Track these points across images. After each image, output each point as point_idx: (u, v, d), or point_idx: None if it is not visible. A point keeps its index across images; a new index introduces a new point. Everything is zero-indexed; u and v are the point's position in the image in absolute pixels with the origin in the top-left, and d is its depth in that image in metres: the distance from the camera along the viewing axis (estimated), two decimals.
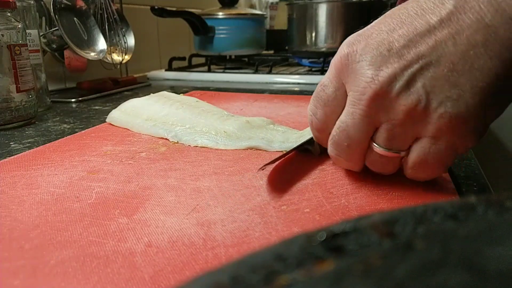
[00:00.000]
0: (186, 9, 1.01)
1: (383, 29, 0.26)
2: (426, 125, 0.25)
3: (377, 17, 0.28)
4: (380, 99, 0.25)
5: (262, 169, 0.33)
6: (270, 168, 0.35)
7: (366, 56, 0.26)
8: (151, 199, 0.29)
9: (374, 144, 0.28)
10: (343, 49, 0.27)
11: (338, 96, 0.28)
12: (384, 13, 0.27)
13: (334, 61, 0.28)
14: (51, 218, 0.27)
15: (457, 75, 0.24)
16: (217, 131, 0.42)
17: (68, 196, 0.30)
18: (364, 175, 0.32)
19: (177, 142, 0.43)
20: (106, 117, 0.52)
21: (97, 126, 0.51)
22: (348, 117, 0.27)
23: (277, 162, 0.34)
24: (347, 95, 0.28)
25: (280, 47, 1.27)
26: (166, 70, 1.02)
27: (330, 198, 0.29)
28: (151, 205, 0.28)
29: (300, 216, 0.26)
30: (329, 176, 0.33)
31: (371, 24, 0.27)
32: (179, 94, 0.56)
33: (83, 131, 0.48)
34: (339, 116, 0.29)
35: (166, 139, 0.44)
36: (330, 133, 0.30)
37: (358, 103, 0.26)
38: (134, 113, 0.49)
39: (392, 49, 0.25)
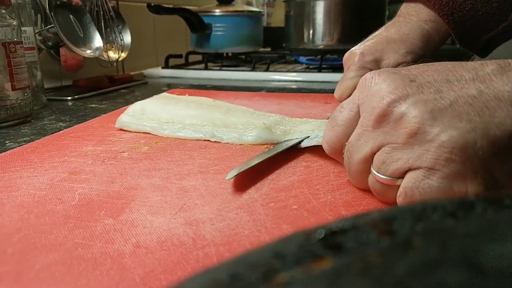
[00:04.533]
0: (183, 6, 1.00)
1: (415, 70, 0.26)
2: (424, 153, 0.23)
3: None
4: (385, 120, 0.25)
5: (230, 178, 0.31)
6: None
7: (388, 81, 0.26)
8: (137, 200, 0.29)
9: (372, 168, 0.27)
10: (371, 72, 0.27)
11: (351, 117, 0.29)
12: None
13: (359, 82, 0.28)
14: (33, 221, 0.26)
15: (473, 113, 0.22)
16: (256, 126, 0.42)
17: (50, 198, 0.29)
18: None
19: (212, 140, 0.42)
20: (102, 115, 0.52)
21: (75, 126, 0.50)
22: (353, 138, 0.28)
23: (244, 169, 0.32)
24: (359, 117, 0.28)
25: (277, 45, 1.27)
26: (162, 67, 1.01)
27: (317, 194, 0.29)
28: (137, 206, 0.28)
29: (288, 213, 0.26)
30: (314, 173, 0.33)
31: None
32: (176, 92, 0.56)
33: (61, 131, 0.47)
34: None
35: (159, 137, 0.44)
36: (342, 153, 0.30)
37: (366, 123, 0.26)
38: (148, 116, 0.47)
39: (415, 81, 0.25)
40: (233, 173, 0.31)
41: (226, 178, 0.31)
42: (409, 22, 0.51)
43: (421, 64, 0.27)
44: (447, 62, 0.26)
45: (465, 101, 0.23)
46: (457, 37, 0.50)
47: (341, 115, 0.29)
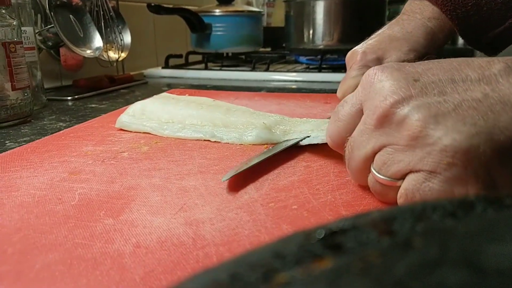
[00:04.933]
0: (183, 6, 1.00)
1: (419, 67, 0.26)
2: (426, 156, 0.23)
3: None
4: (388, 120, 0.25)
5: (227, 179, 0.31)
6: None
7: (391, 79, 0.25)
8: (137, 199, 0.29)
9: (373, 168, 0.26)
10: (374, 68, 0.27)
11: (352, 113, 0.28)
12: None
13: (362, 78, 0.28)
14: (33, 221, 0.26)
15: (477, 117, 0.22)
16: (256, 126, 0.42)
17: (50, 198, 0.29)
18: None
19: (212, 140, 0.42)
20: (102, 115, 0.52)
21: (75, 126, 0.50)
22: (356, 133, 0.27)
23: (240, 171, 0.32)
24: (362, 114, 0.27)
25: (278, 45, 1.27)
26: (162, 67, 1.01)
27: (317, 194, 0.29)
28: (137, 206, 0.28)
29: (288, 213, 0.26)
30: (314, 173, 0.33)
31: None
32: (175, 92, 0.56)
33: (61, 131, 0.47)
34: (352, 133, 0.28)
35: (158, 136, 0.44)
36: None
37: (368, 122, 0.26)
38: (148, 116, 0.47)
39: (419, 80, 0.25)
40: (229, 174, 0.31)
41: (222, 180, 0.31)
42: (413, 20, 0.51)
43: (426, 61, 0.27)
44: (453, 59, 0.26)
45: (470, 105, 0.22)
46: (462, 34, 0.50)
47: (343, 110, 0.29)
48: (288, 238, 0.12)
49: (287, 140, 0.40)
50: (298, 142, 0.38)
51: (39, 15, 0.72)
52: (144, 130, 0.45)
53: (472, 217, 0.11)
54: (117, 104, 0.67)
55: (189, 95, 0.54)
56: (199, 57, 1.09)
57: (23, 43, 0.56)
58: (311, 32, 0.94)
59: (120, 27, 0.86)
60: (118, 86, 0.82)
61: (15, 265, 0.21)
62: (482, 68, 0.24)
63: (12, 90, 0.52)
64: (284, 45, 1.09)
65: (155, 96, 0.53)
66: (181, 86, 0.83)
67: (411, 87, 0.24)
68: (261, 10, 1.14)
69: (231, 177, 0.31)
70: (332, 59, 0.95)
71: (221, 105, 0.47)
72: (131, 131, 0.46)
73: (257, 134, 0.41)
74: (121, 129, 0.47)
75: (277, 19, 1.53)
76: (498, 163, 0.22)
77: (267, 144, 0.41)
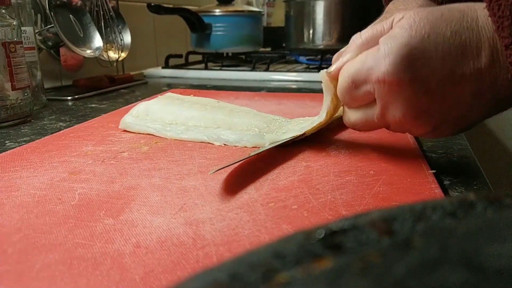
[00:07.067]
0: (183, 6, 1.00)
1: (434, 73, 0.29)
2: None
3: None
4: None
5: (215, 172, 0.32)
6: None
7: (403, 92, 0.30)
8: (137, 199, 0.29)
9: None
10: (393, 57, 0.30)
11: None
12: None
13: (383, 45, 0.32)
14: (33, 221, 0.26)
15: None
16: (260, 128, 0.42)
17: (50, 198, 0.29)
18: (348, 171, 0.33)
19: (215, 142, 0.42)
20: (102, 115, 0.52)
21: (75, 126, 0.50)
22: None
23: (230, 165, 0.33)
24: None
25: (278, 45, 1.27)
26: (162, 67, 1.01)
27: (317, 194, 0.29)
28: (137, 205, 0.28)
29: (288, 213, 0.26)
30: (314, 172, 0.33)
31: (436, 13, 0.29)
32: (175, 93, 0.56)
33: (61, 131, 0.47)
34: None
35: (161, 137, 0.44)
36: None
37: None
38: (152, 117, 0.46)
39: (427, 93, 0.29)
40: (216, 168, 0.31)
41: (209, 173, 0.31)
42: None
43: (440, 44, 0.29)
44: (463, 39, 0.28)
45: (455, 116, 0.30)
46: None
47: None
48: (288, 238, 0.12)
49: (284, 140, 0.40)
50: (293, 139, 0.38)
51: (39, 15, 0.72)
52: (148, 131, 0.45)
53: (472, 217, 0.11)
54: (117, 104, 0.67)
55: (194, 95, 0.54)
56: (199, 57, 1.09)
57: (23, 43, 0.56)
58: (311, 32, 0.94)
59: (120, 27, 0.86)
60: (118, 86, 0.82)
61: (15, 265, 0.21)
62: (473, 59, 0.28)
63: (12, 90, 0.52)
64: (284, 45, 1.09)
65: (159, 96, 0.53)
66: (181, 86, 0.83)
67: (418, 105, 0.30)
68: (261, 10, 1.14)
69: (218, 170, 0.31)
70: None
71: (225, 107, 0.47)
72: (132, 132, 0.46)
73: (260, 137, 0.41)
74: (121, 129, 0.47)
75: (277, 19, 1.53)
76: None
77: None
